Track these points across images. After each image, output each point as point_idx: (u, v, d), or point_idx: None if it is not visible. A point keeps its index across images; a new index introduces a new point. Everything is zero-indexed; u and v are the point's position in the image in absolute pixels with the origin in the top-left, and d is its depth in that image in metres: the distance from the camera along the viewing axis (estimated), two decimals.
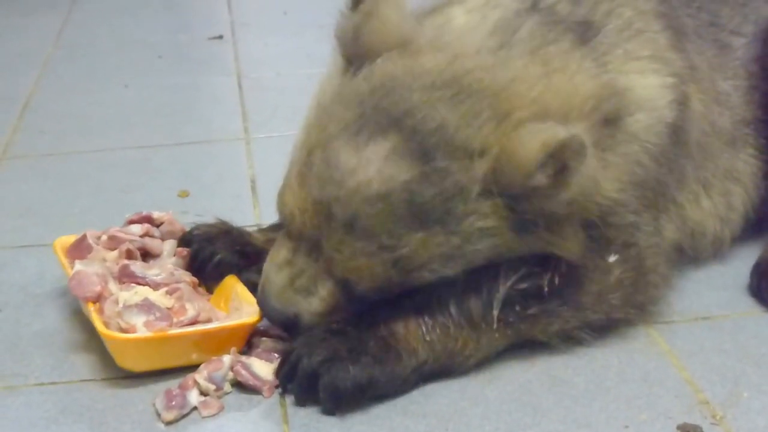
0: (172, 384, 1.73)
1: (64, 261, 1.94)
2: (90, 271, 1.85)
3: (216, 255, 1.91)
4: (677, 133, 1.90)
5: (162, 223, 2.04)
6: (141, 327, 1.75)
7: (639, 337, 1.87)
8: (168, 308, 1.80)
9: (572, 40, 1.82)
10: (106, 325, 1.76)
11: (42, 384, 1.78)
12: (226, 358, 1.75)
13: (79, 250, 1.94)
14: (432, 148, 1.64)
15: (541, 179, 1.61)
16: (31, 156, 2.76)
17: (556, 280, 1.78)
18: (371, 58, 1.74)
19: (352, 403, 1.70)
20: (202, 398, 1.71)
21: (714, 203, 2.05)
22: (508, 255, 1.73)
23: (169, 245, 1.99)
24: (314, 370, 1.69)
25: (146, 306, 1.78)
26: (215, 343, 1.78)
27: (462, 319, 1.74)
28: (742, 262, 2.07)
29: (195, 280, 1.91)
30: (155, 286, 1.85)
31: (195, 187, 2.50)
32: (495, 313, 1.75)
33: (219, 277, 1.91)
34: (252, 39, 3.71)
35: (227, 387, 1.74)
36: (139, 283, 1.85)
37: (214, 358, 1.76)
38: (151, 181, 2.56)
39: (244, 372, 1.74)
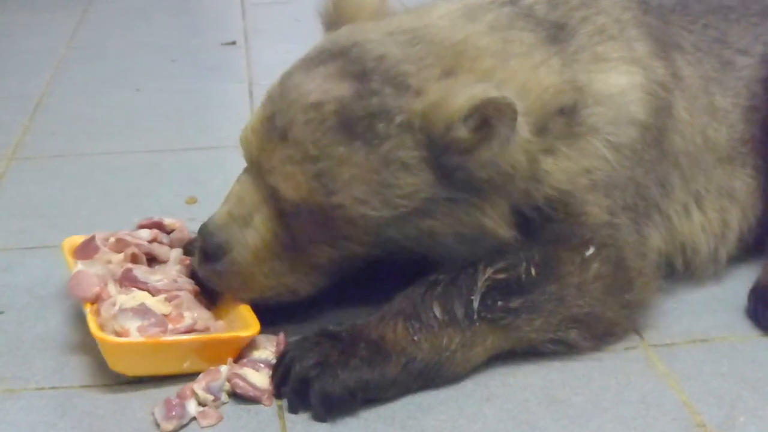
0: (172, 392, 1.74)
1: (71, 261, 1.94)
2: (90, 272, 1.86)
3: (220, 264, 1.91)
4: (653, 135, 1.92)
5: (173, 230, 2.05)
6: (134, 331, 1.75)
7: (637, 358, 1.87)
8: (165, 315, 1.80)
9: (542, 36, 1.89)
10: (102, 327, 1.76)
11: (42, 388, 1.79)
12: (223, 368, 1.76)
13: (86, 251, 1.94)
14: (370, 71, 1.75)
15: (461, 131, 1.68)
16: (41, 157, 2.77)
17: (533, 271, 1.80)
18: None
19: (345, 408, 1.71)
20: (200, 408, 1.71)
21: (707, 219, 2.06)
22: (431, 211, 1.77)
23: (177, 253, 1.99)
24: (306, 375, 1.70)
25: (141, 311, 1.78)
26: (208, 353, 1.78)
27: (446, 318, 1.76)
28: (742, 284, 2.06)
29: (197, 288, 1.91)
30: (155, 292, 1.85)
31: (203, 193, 2.50)
32: (475, 305, 1.77)
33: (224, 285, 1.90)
34: (265, 45, 3.73)
35: (224, 397, 1.75)
36: (139, 288, 1.85)
37: (212, 368, 1.76)
38: (160, 186, 2.57)
39: (241, 383, 1.74)
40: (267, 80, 3.27)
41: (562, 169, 1.83)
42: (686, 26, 2.16)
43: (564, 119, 1.83)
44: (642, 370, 1.84)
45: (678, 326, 1.97)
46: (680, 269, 2.06)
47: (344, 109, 1.72)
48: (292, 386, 1.72)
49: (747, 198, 2.12)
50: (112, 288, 1.84)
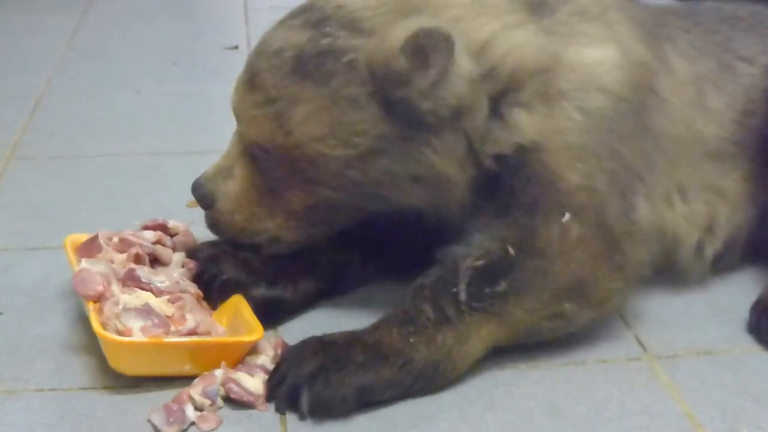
0: (172, 396, 1.73)
1: (73, 258, 1.92)
2: (94, 270, 1.84)
3: (222, 275, 1.92)
4: (630, 107, 1.91)
5: (177, 234, 2.04)
6: (137, 331, 1.74)
7: (641, 369, 1.86)
8: (168, 316, 1.80)
9: (520, 5, 1.90)
10: (104, 326, 1.75)
11: (42, 390, 1.78)
12: (218, 373, 1.75)
13: (89, 249, 1.93)
14: (327, 17, 1.82)
15: (400, 63, 1.72)
16: (40, 158, 2.76)
17: (510, 250, 1.80)
18: None
19: (337, 413, 1.71)
20: (198, 413, 1.70)
21: (691, 210, 2.05)
22: (386, 150, 1.80)
23: (180, 256, 1.98)
24: (300, 383, 1.70)
25: (145, 311, 1.78)
26: (209, 356, 1.77)
27: (439, 318, 1.77)
28: (747, 296, 2.06)
29: (199, 292, 1.90)
30: (158, 293, 1.84)
31: None
32: (462, 297, 1.77)
33: (225, 296, 1.91)
34: None
35: (219, 401, 1.74)
36: (142, 288, 1.85)
37: (206, 372, 1.75)
38: (160, 189, 2.56)
39: (236, 388, 1.74)
40: None
41: (535, 124, 1.83)
42: (686, 27, 2.17)
43: (538, 80, 1.85)
44: (645, 381, 1.83)
45: (682, 338, 1.96)
46: (661, 260, 2.04)
47: (301, 53, 1.81)
48: (284, 392, 1.72)
49: (737, 198, 2.11)
50: (116, 287, 1.82)
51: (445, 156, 1.81)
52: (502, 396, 1.78)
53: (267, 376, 1.76)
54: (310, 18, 1.84)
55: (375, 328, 1.79)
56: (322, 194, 1.86)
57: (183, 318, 1.80)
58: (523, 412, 1.74)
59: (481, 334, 1.79)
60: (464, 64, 1.77)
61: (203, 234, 2.08)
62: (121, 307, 1.78)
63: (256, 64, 1.86)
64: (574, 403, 1.77)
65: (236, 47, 3.74)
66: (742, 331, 1.99)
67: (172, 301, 1.83)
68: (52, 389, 1.78)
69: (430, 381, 1.77)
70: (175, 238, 2.03)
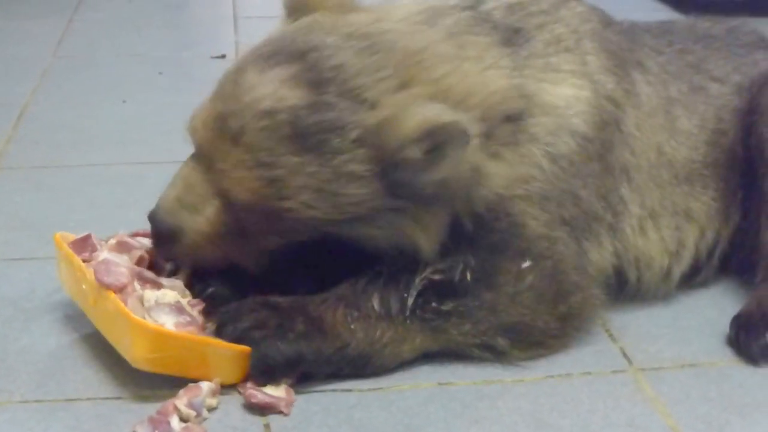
0: (156, 408, 1.72)
1: (70, 251, 1.91)
2: (119, 261, 1.85)
3: (209, 287, 1.91)
4: (596, 148, 1.95)
5: None
6: (171, 327, 1.76)
7: (625, 382, 1.87)
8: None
9: (496, 39, 1.92)
10: None
11: (27, 401, 1.78)
12: (204, 384, 1.75)
13: (83, 248, 1.93)
14: (326, 81, 1.76)
15: (414, 152, 1.71)
16: (25, 167, 2.75)
17: (468, 275, 1.84)
18: (308, 14, 1.90)
19: (282, 375, 1.77)
20: (183, 424, 1.70)
21: (662, 236, 2.08)
22: (373, 219, 1.80)
23: (171, 265, 1.98)
24: (239, 337, 1.76)
25: (178, 308, 1.80)
26: (231, 363, 1.78)
27: (382, 311, 1.81)
28: (731, 309, 2.06)
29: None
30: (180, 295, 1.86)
31: None
32: (409, 302, 1.82)
33: (213, 308, 1.89)
34: None
35: (205, 413, 1.74)
36: (157, 288, 1.85)
37: (192, 384, 1.75)
38: (146, 198, 2.51)
39: (259, 395, 1.75)
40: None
41: (502, 174, 1.86)
42: (658, 48, 2.20)
43: (510, 126, 1.87)
44: (630, 393, 1.84)
45: (667, 351, 1.97)
46: (633, 283, 2.08)
47: (298, 120, 1.74)
48: (226, 338, 1.77)
49: (707, 220, 2.14)
50: (136, 284, 1.83)
51: (431, 230, 1.83)
52: (487, 409, 1.78)
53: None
54: (303, 75, 1.76)
55: (321, 301, 1.82)
56: (297, 239, 1.85)
57: (204, 322, 1.83)
58: (508, 426, 1.74)
59: (415, 343, 1.85)
60: (473, 153, 1.77)
61: None
62: (153, 301, 1.79)
63: (242, 118, 1.76)
64: (558, 416, 1.77)
65: (223, 56, 3.73)
66: (726, 343, 2.00)
67: (191, 304, 1.85)
68: (38, 401, 1.78)
69: (361, 369, 1.83)
70: None
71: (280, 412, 1.74)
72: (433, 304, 1.83)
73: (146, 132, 3.03)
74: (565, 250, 1.91)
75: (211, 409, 1.75)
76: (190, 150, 2.80)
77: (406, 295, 1.82)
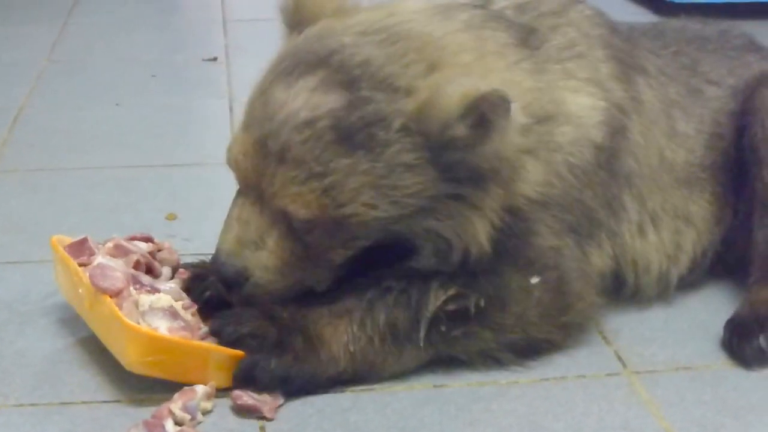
0: (151, 411, 1.72)
1: (66, 255, 1.91)
2: (115, 266, 1.85)
3: (206, 291, 1.91)
4: (607, 158, 1.95)
5: (161, 249, 2.04)
6: (164, 331, 1.76)
7: (620, 385, 1.87)
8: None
9: (513, 37, 1.91)
10: None
11: (22, 405, 1.77)
12: (199, 388, 1.75)
13: (80, 251, 1.92)
14: (357, 78, 1.73)
15: (460, 130, 1.69)
16: (20, 170, 2.75)
17: (482, 303, 1.82)
18: (311, 24, 1.87)
19: (264, 390, 1.76)
20: (177, 428, 1.70)
21: (661, 239, 2.08)
22: (434, 210, 1.77)
23: (167, 270, 1.99)
24: (236, 340, 1.76)
25: (172, 312, 1.79)
26: (228, 366, 1.78)
27: (388, 333, 1.80)
28: (725, 312, 2.06)
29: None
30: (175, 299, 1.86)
31: (183, 209, 2.50)
32: (422, 334, 1.81)
33: (210, 312, 1.89)
34: (246, 63, 3.71)
35: (200, 416, 1.74)
36: (152, 293, 1.85)
37: (187, 387, 1.75)
38: (140, 201, 2.56)
39: (244, 396, 1.75)
40: (248, 97, 3.27)
41: (536, 173, 1.85)
42: (655, 50, 2.20)
43: (541, 128, 1.86)
44: (624, 396, 1.84)
45: (661, 353, 1.97)
46: (630, 286, 2.08)
47: (339, 122, 1.71)
48: (224, 339, 1.77)
49: (703, 223, 2.15)
50: (132, 288, 1.83)
51: (485, 213, 1.80)
52: (481, 412, 1.78)
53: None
54: (332, 78, 1.74)
55: (323, 315, 1.81)
56: (363, 245, 1.81)
57: (199, 325, 1.82)
58: (502, 428, 1.74)
59: (415, 363, 1.85)
60: (519, 118, 1.75)
61: (183, 247, 2.09)
62: (147, 306, 1.78)
63: (281, 136, 1.72)
64: (553, 419, 1.77)
65: (215, 59, 3.75)
66: (720, 347, 2.00)
67: (185, 308, 1.85)
68: (32, 404, 1.78)
69: (352, 384, 1.82)
70: (159, 253, 2.03)
71: (264, 417, 1.74)
72: (443, 329, 1.81)
73: (140, 135, 3.03)
74: (570, 259, 1.91)
75: (205, 413, 1.75)
76: (186, 156, 2.84)
77: (419, 323, 1.80)
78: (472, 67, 1.80)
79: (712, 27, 2.37)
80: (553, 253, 1.89)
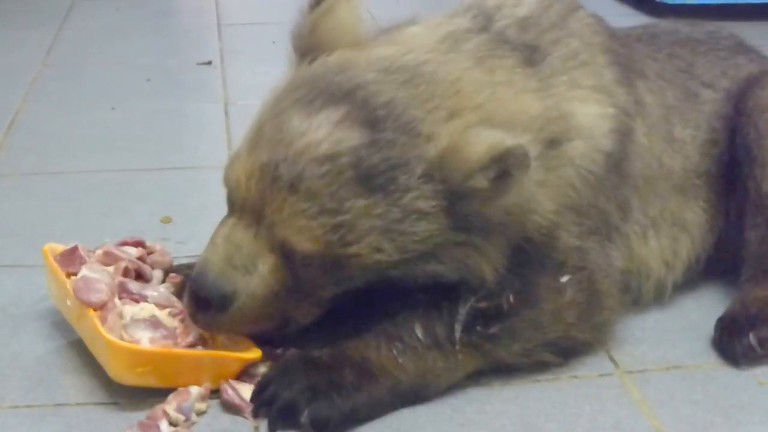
0: (147, 412, 1.73)
1: (55, 266, 1.91)
2: (99, 277, 1.85)
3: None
4: (616, 162, 1.96)
5: (153, 252, 2.05)
6: (145, 342, 1.76)
7: (612, 385, 1.88)
8: (173, 328, 1.81)
9: (518, 59, 1.90)
10: None
11: (17, 407, 1.78)
12: (194, 389, 1.76)
13: (71, 260, 1.93)
14: (382, 119, 1.71)
15: (481, 181, 1.69)
16: (15, 174, 2.76)
17: (511, 299, 1.82)
18: (325, 53, 1.84)
19: (340, 428, 1.72)
20: (172, 429, 1.71)
21: (660, 246, 2.09)
22: (438, 255, 1.76)
23: (159, 273, 1.99)
24: (294, 400, 1.70)
25: (153, 322, 1.79)
26: (211, 370, 1.78)
27: (429, 341, 1.78)
28: (716, 312, 2.06)
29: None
30: (161, 306, 1.86)
31: (178, 213, 2.50)
32: (457, 334, 1.79)
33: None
34: (240, 66, 3.73)
35: (194, 417, 1.74)
36: (136, 301, 1.85)
37: (181, 388, 1.76)
38: (134, 205, 2.56)
39: (230, 391, 1.75)
40: (242, 100, 3.28)
41: (548, 199, 1.84)
42: (651, 54, 2.20)
43: (552, 152, 1.85)
44: (616, 396, 1.85)
45: (652, 353, 1.98)
46: (634, 291, 2.09)
47: (361, 161, 1.69)
48: (279, 410, 1.71)
49: (697, 230, 2.15)
50: (116, 299, 1.83)
51: (492, 258, 1.80)
52: (475, 413, 1.79)
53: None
54: (356, 114, 1.71)
55: (361, 341, 1.79)
56: (354, 286, 1.79)
57: (187, 330, 1.81)
58: (496, 429, 1.75)
59: (468, 368, 1.83)
60: (534, 177, 1.75)
61: (177, 250, 2.09)
62: (128, 318, 1.79)
63: (297, 165, 1.69)
64: (546, 419, 1.78)
65: (209, 63, 3.75)
66: (711, 346, 2.01)
67: (173, 315, 1.84)
68: (27, 406, 1.78)
69: (413, 401, 1.79)
70: (151, 256, 2.03)
71: (245, 418, 1.75)
72: (479, 328, 1.80)
73: (134, 139, 3.04)
74: (596, 260, 1.91)
75: (200, 414, 1.76)
76: (181, 159, 2.84)
77: (455, 325, 1.79)
78: (487, 108, 1.78)
79: (701, 28, 2.37)
80: (579, 253, 1.89)
